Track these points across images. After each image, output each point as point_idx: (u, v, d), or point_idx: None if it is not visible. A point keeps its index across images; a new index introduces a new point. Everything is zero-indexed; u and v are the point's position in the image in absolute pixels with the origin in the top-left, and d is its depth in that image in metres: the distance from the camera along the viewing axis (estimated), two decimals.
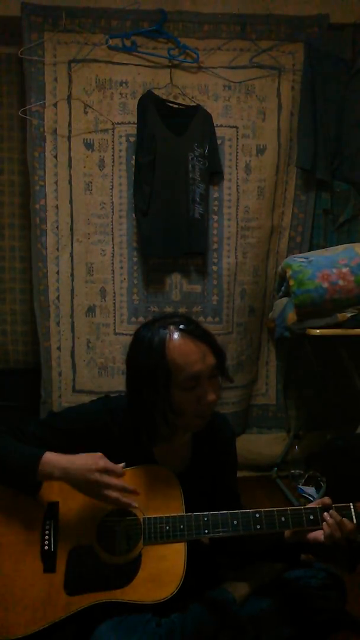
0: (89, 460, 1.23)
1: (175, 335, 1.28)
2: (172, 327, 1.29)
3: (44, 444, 1.31)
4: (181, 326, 1.29)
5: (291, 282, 2.38)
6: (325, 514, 1.29)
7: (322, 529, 1.29)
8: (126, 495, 1.24)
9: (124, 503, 1.24)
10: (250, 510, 1.29)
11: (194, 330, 1.30)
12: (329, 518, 1.28)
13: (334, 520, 1.27)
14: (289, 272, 2.40)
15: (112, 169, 2.56)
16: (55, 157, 2.53)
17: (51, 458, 1.23)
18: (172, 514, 1.28)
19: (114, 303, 2.63)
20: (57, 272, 2.59)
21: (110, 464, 1.23)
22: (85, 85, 2.50)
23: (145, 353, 1.29)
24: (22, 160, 2.69)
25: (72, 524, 1.28)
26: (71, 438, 1.33)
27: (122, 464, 1.26)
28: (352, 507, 1.31)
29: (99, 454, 1.24)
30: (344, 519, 1.28)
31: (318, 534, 1.30)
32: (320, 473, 2.53)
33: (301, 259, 2.41)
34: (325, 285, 2.32)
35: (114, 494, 1.22)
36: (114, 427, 1.36)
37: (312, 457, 2.72)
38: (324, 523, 1.28)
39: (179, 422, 1.32)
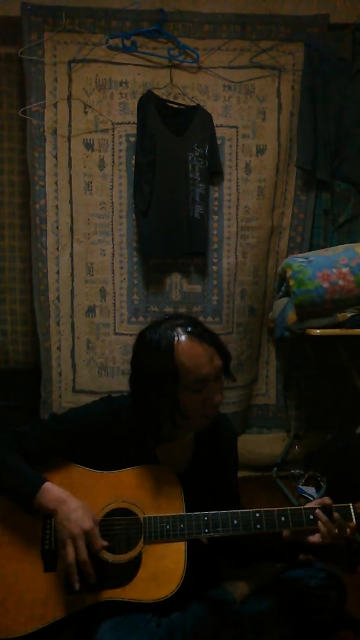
0: (86, 514, 1.21)
1: (183, 338, 1.27)
2: (179, 330, 1.29)
3: (46, 448, 1.31)
4: (188, 328, 1.29)
5: (291, 282, 2.38)
6: (320, 512, 1.29)
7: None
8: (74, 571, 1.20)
9: (70, 579, 1.19)
10: (250, 510, 1.29)
11: (201, 333, 1.30)
12: (322, 517, 1.28)
13: (328, 520, 1.27)
14: (289, 272, 2.40)
15: (112, 169, 2.56)
16: (55, 157, 2.53)
17: (50, 489, 1.23)
18: (173, 514, 1.28)
19: (114, 303, 2.63)
20: (57, 272, 2.59)
21: (96, 532, 1.21)
22: (85, 85, 2.51)
23: (152, 355, 1.28)
24: (22, 160, 2.69)
25: None
26: (74, 439, 1.33)
27: (105, 543, 1.22)
28: (351, 507, 1.31)
29: (93, 519, 1.23)
30: (338, 518, 1.28)
31: (316, 534, 1.30)
32: (320, 473, 2.53)
33: (301, 259, 2.41)
34: (325, 285, 2.32)
35: (70, 556, 1.18)
36: (117, 428, 1.36)
37: (312, 457, 2.72)
38: (318, 522, 1.28)
39: (185, 424, 1.32)
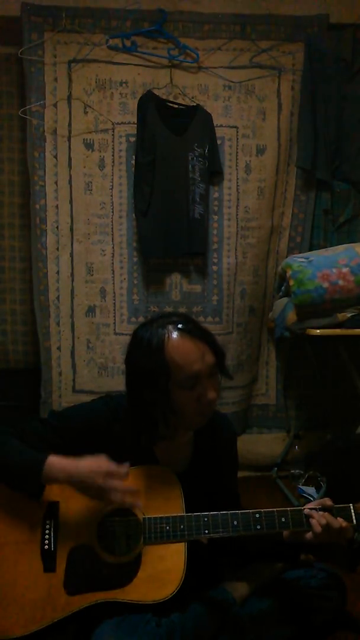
0: (93, 464, 1.22)
1: (174, 335, 1.28)
2: (170, 327, 1.29)
3: (45, 442, 1.31)
4: (179, 325, 1.29)
5: (291, 282, 2.38)
6: (314, 512, 1.28)
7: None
8: (130, 495, 1.24)
9: (128, 503, 1.24)
10: (250, 511, 1.29)
11: (192, 329, 1.30)
12: (316, 518, 1.28)
13: (325, 521, 1.27)
14: (289, 272, 2.40)
15: (112, 169, 2.56)
16: (55, 157, 2.53)
17: (55, 461, 1.23)
18: (173, 514, 1.28)
19: (114, 303, 2.63)
20: (57, 272, 2.59)
21: (113, 467, 1.23)
22: (85, 85, 2.50)
23: (144, 353, 1.29)
24: (22, 160, 2.69)
25: (73, 524, 1.28)
26: (72, 437, 1.33)
27: (127, 465, 1.25)
28: (351, 507, 1.31)
29: (103, 457, 1.24)
30: (337, 518, 1.28)
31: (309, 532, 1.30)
32: (320, 473, 2.53)
33: (301, 259, 2.41)
34: (325, 285, 2.32)
35: (117, 496, 1.22)
36: (115, 426, 1.36)
37: (312, 457, 2.72)
38: (313, 522, 1.28)
39: (180, 422, 1.32)
